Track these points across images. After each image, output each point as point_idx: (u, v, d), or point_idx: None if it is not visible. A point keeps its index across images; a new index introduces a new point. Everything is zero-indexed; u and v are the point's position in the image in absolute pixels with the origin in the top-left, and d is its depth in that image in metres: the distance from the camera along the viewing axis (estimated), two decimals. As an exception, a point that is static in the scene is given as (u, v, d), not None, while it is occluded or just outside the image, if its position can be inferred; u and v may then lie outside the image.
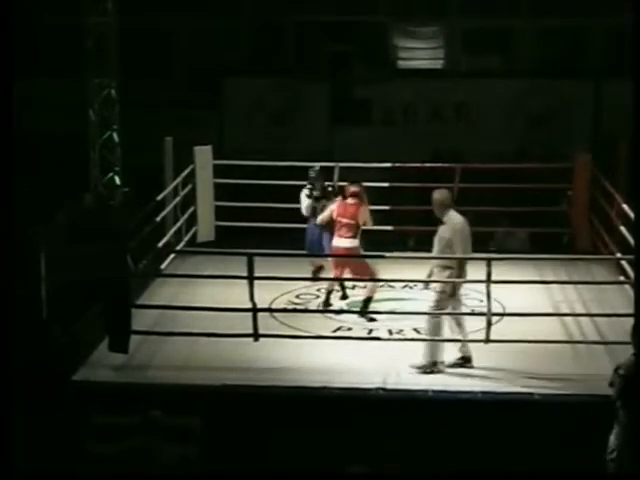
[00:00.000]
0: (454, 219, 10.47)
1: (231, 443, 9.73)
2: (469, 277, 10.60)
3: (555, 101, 20.00)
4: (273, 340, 10.75)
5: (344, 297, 12.55)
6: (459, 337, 10.50)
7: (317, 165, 13.23)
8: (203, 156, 14.69)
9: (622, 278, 12.61)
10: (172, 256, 13.60)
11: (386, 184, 14.87)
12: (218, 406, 9.86)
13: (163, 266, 13.26)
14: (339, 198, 12.36)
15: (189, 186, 14.51)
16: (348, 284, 12.47)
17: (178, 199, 14.21)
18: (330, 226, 12.28)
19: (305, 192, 12.94)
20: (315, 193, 12.83)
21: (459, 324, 10.56)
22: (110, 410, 9.87)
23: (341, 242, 11.97)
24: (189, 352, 10.88)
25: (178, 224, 14.17)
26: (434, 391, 10.01)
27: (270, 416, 9.86)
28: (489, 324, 10.53)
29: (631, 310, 10.96)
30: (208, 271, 12.41)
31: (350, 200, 12.05)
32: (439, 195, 10.66)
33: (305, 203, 12.89)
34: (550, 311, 11.84)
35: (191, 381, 10.18)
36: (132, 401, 9.89)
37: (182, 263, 13.64)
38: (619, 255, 12.96)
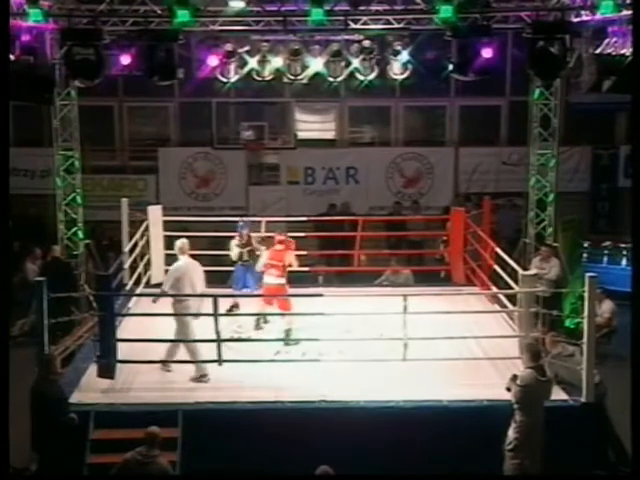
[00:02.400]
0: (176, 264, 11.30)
1: (205, 450, 9.77)
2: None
3: (423, 164, 20.36)
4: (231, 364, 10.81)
5: (258, 327, 12.50)
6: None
7: (243, 219, 13.45)
8: (155, 213, 14.54)
9: (497, 307, 12.95)
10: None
11: (303, 234, 14.95)
12: (193, 419, 9.89)
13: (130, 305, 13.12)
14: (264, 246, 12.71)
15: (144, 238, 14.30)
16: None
17: (137, 250, 13.99)
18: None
19: (234, 241, 13.07)
20: (241, 241, 12.98)
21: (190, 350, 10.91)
22: (104, 426, 9.82)
23: (272, 279, 12.16)
24: (163, 376, 10.85)
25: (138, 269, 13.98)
26: (365, 401, 10.24)
27: (235, 426, 9.95)
28: (405, 346, 10.82)
29: (507, 332, 11.46)
30: (162, 309, 11.83)
31: (278, 246, 12.31)
32: (178, 244, 11.52)
33: (234, 250, 13.02)
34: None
35: (169, 400, 10.19)
36: (122, 418, 9.85)
37: (142, 301, 13.25)
38: (494, 289, 13.27)
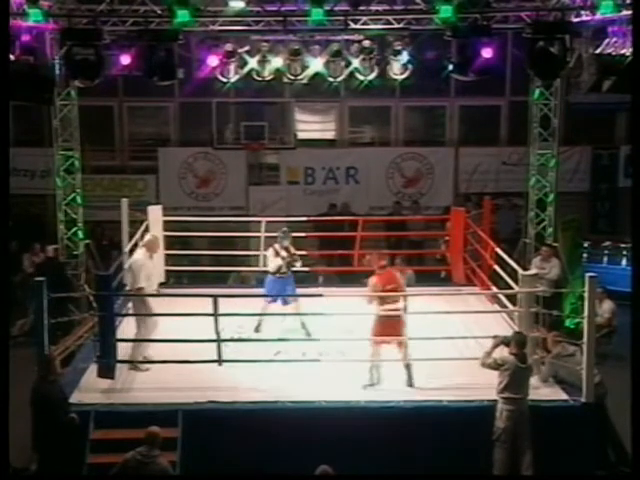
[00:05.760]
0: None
1: (205, 450, 9.77)
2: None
3: (423, 164, 20.35)
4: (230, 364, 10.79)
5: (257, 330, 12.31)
6: None
7: (284, 229, 12.79)
8: (155, 213, 14.50)
9: (497, 307, 12.91)
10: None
11: (303, 234, 14.91)
12: (193, 419, 9.88)
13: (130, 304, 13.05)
14: None
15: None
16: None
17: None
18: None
19: (271, 251, 12.54)
20: (282, 254, 12.43)
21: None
22: (104, 426, 9.81)
23: (394, 306, 10.73)
24: (163, 376, 10.82)
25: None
26: (365, 401, 10.23)
27: (235, 426, 9.94)
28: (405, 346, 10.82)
29: (507, 332, 11.41)
30: (162, 309, 11.76)
31: (380, 270, 10.97)
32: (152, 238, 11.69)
33: (273, 262, 12.46)
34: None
35: (169, 400, 10.17)
36: (122, 418, 9.84)
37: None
38: (494, 289, 13.24)
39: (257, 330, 12.31)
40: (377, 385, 10.57)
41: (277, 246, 12.55)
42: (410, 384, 10.64)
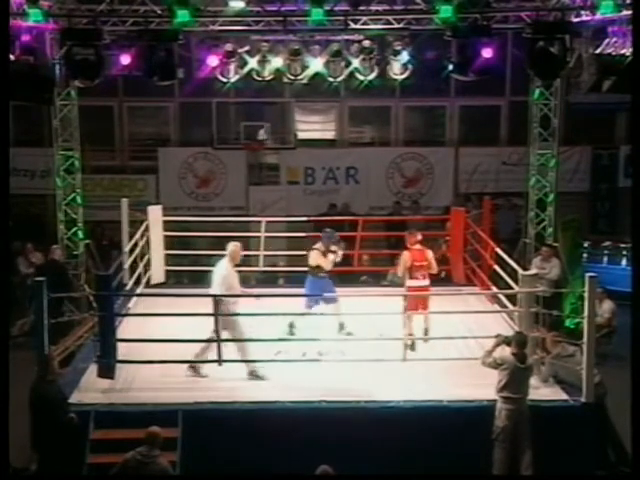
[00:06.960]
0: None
1: (205, 450, 9.76)
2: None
3: (423, 164, 20.36)
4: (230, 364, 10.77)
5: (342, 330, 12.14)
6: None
7: (327, 230, 12.47)
8: (155, 213, 14.49)
9: (497, 307, 12.88)
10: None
11: (303, 234, 14.90)
12: (193, 419, 9.88)
13: (130, 304, 13.09)
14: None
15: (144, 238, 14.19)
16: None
17: (137, 250, 13.90)
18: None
19: (317, 252, 12.20)
20: (331, 257, 12.15)
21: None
22: (104, 426, 9.80)
23: (422, 282, 11.83)
24: (162, 376, 10.80)
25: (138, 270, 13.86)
26: (365, 401, 10.20)
27: (235, 426, 9.93)
28: (405, 346, 10.85)
29: (507, 332, 11.39)
30: (162, 309, 11.86)
31: (417, 246, 11.93)
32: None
33: (326, 261, 12.11)
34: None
35: (169, 400, 10.17)
36: (122, 418, 9.83)
37: (142, 301, 13.16)
38: (494, 289, 13.23)
39: (341, 330, 12.13)
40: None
41: (319, 245, 12.26)
42: (426, 334, 11.66)
